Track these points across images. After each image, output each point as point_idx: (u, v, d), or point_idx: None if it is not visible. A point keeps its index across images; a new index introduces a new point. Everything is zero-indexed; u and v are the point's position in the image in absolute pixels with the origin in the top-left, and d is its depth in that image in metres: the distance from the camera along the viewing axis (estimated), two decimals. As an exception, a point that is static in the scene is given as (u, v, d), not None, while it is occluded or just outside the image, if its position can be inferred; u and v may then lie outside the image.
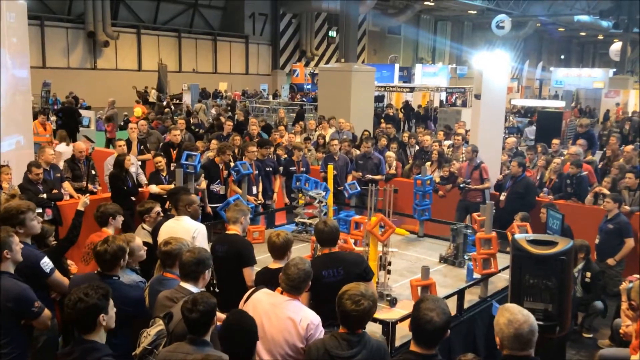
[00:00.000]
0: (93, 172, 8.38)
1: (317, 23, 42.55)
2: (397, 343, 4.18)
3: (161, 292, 3.73)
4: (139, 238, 4.62)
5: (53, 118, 14.90)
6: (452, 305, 4.31)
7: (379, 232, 5.07)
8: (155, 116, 16.53)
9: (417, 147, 11.18)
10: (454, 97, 25.56)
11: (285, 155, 9.53)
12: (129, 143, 9.48)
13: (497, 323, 2.84)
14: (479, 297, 5.36)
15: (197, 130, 14.21)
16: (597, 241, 7.25)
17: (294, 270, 3.46)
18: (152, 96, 27.27)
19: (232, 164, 7.95)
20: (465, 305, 4.94)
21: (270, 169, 8.53)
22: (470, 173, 8.75)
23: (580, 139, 11.00)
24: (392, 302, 5.06)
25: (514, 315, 2.79)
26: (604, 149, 11.43)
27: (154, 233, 5.28)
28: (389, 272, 5.20)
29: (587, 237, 6.77)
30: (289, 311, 3.40)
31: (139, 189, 7.81)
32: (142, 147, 9.84)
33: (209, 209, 7.77)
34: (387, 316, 4.50)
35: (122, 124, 17.83)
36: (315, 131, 13.51)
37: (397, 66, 34.58)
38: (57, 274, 4.21)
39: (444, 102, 26.31)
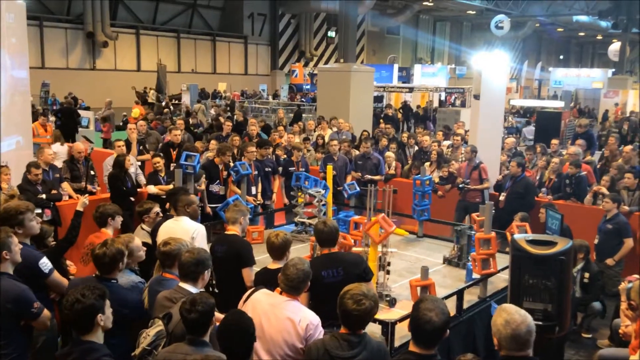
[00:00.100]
0: (92, 172, 8.37)
1: (316, 23, 42.59)
2: (397, 343, 4.18)
3: (160, 292, 3.73)
4: (138, 238, 4.61)
5: (52, 118, 14.85)
6: (451, 305, 4.33)
7: (379, 232, 5.06)
8: (154, 116, 16.47)
9: (416, 148, 11.16)
10: (453, 97, 25.56)
11: (285, 156, 9.52)
12: (128, 143, 9.47)
13: (495, 324, 2.84)
14: (479, 297, 5.36)
15: (195, 130, 14.18)
16: (596, 241, 7.26)
17: (293, 271, 3.46)
18: (151, 96, 27.22)
19: (231, 164, 7.94)
20: (465, 306, 4.94)
21: (270, 169, 8.52)
22: (469, 173, 8.75)
23: (579, 139, 11.00)
24: (392, 303, 5.06)
25: (511, 316, 2.79)
26: (603, 149, 11.44)
27: (153, 233, 5.28)
28: (388, 272, 5.20)
29: (586, 237, 6.77)
30: (288, 311, 3.41)
31: (138, 190, 7.81)
32: (141, 147, 9.83)
33: (208, 210, 7.76)
34: (386, 316, 4.50)
35: (120, 124, 17.81)
36: (315, 131, 13.49)
37: (396, 66, 34.67)
38: (56, 275, 4.21)
39: (443, 103, 26.31)
